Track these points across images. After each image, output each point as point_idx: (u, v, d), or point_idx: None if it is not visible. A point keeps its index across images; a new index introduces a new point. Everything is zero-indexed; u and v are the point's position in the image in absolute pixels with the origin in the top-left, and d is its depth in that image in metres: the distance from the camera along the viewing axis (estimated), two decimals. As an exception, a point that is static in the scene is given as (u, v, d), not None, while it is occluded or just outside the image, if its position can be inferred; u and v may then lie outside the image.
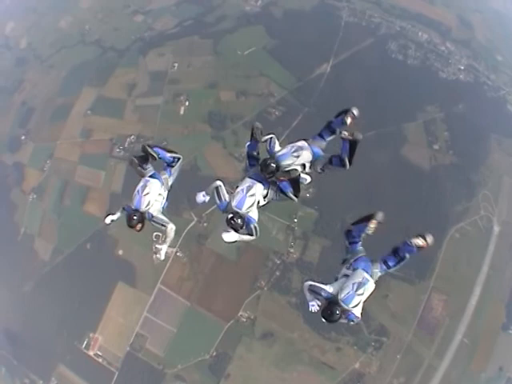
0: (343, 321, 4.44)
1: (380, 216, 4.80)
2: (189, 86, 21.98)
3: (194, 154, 20.47)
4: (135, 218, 4.91)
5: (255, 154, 5.34)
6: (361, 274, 4.57)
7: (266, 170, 4.74)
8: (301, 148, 4.92)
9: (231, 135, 21.07)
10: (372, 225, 4.80)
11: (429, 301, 19.75)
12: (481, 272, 20.35)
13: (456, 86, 23.12)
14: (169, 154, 5.42)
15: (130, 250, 20.71)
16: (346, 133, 4.79)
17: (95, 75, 23.48)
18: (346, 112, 5.07)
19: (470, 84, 23.58)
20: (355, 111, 5.07)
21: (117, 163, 21.67)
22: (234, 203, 4.84)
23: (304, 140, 5.18)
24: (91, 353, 20.27)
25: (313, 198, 20.41)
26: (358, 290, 4.40)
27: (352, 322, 4.49)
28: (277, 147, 5.08)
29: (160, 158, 5.38)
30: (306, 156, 4.92)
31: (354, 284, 4.45)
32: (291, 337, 19.54)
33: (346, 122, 5.04)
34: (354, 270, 4.64)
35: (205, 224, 20.22)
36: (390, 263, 4.79)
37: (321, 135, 5.24)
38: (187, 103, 21.52)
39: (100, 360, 20.15)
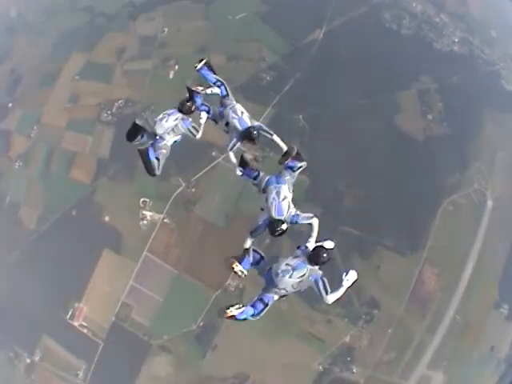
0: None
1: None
2: (178, 50, 21.52)
3: (182, 118, 19.83)
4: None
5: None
6: (272, 188, 4.87)
7: (279, 235, 4.82)
8: (278, 192, 4.99)
9: (221, 100, 20.49)
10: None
11: (421, 274, 19.42)
12: (474, 247, 20.08)
13: (450, 57, 22.81)
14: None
15: (117, 216, 20.18)
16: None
17: (84, 41, 22.99)
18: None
19: (464, 56, 23.31)
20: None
21: (104, 128, 21.13)
22: (274, 214, 4.82)
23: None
24: (76, 323, 19.72)
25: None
26: (280, 197, 4.72)
27: (297, 223, 4.81)
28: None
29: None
30: (284, 189, 5.01)
31: (273, 198, 4.73)
32: (280, 307, 18.68)
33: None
34: (266, 187, 4.93)
35: (193, 189, 19.72)
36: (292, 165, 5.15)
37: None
38: (177, 67, 21.03)
39: (85, 331, 19.62)
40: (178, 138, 5.94)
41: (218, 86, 6.22)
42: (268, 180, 5.03)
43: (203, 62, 6.44)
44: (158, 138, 5.69)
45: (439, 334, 19.31)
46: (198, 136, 5.88)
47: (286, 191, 4.86)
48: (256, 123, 5.71)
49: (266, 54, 20.82)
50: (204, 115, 5.92)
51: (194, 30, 21.78)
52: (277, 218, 4.76)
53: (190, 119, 5.82)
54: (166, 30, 22.28)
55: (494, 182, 21.59)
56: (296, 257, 4.75)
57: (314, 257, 4.60)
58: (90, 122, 21.37)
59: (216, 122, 6.09)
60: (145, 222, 20.05)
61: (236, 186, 19.24)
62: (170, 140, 5.76)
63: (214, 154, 19.56)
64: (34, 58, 23.87)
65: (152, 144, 5.76)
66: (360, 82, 20.00)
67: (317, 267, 4.67)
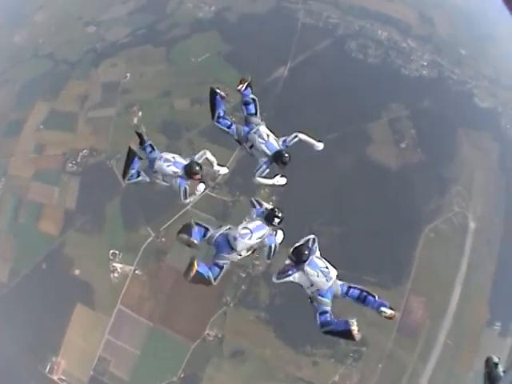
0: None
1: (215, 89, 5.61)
2: (142, 95, 20.99)
3: (148, 165, 19.17)
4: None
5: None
6: (253, 133, 5.53)
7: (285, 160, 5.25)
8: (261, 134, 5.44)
9: (187, 144, 19.95)
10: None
11: (407, 304, 18.65)
12: (460, 270, 19.39)
13: (420, 82, 22.38)
14: None
15: (87, 269, 19.34)
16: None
17: (48, 89, 22.50)
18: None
19: (434, 79, 22.88)
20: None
21: (70, 178, 20.47)
22: (269, 152, 5.28)
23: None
24: (55, 377, 18.84)
25: (276, 205, 19.18)
26: (265, 138, 5.30)
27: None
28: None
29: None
30: (263, 129, 5.51)
31: (259, 142, 5.34)
32: (263, 353, 18.13)
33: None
34: (247, 137, 5.43)
35: (163, 239, 18.86)
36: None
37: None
38: (140, 113, 20.46)
39: None
40: (163, 183, 5.64)
41: (249, 104, 6.09)
42: (243, 129, 5.47)
43: (246, 83, 6.17)
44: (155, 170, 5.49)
45: (432, 362, 18.45)
46: (185, 202, 5.58)
47: (265, 129, 5.27)
48: (281, 142, 5.61)
49: (230, 96, 20.00)
50: (201, 187, 5.70)
51: (157, 75, 21.33)
52: (273, 152, 5.05)
53: (189, 182, 5.44)
54: (128, 75, 21.85)
55: (474, 203, 20.95)
56: (253, 219, 4.96)
57: (270, 217, 4.85)
58: (55, 173, 20.70)
59: (240, 143, 5.87)
60: (116, 274, 19.19)
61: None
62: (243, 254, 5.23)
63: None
64: (-1, 106, 23.28)
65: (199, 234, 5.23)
66: (328, 116, 19.41)
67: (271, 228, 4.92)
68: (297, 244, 4.90)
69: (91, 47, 23.15)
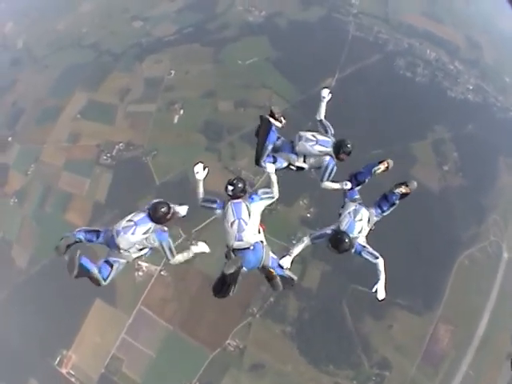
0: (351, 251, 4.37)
1: (391, 162, 4.88)
2: (185, 93, 20.45)
3: (185, 165, 18.54)
4: None
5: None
6: (352, 204, 4.70)
7: (339, 248, 4.32)
8: (356, 210, 4.64)
9: (227, 147, 19.28)
10: (382, 165, 4.85)
11: (435, 332, 18.02)
12: (489, 300, 18.75)
13: (465, 105, 21.81)
14: None
15: (112, 265, 18.71)
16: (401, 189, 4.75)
17: (89, 78, 22.09)
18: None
19: (478, 104, 22.32)
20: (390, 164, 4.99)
21: (103, 171, 19.89)
22: (342, 226, 4.53)
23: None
24: (64, 371, 18.20)
25: (313, 218, 18.52)
26: (356, 217, 4.49)
27: (359, 255, 4.46)
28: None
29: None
30: (364, 213, 4.65)
31: (349, 213, 4.54)
32: (284, 369, 17.28)
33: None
34: (349, 201, 4.77)
35: (193, 242, 18.09)
36: (384, 207, 4.89)
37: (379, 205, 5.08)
38: (182, 112, 19.86)
39: (73, 379, 18.01)
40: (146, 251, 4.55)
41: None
42: (353, 195, 4.95)
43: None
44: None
45: (451, 392, 17.57)
46: (172, 261, 4.57)
47: (365, 216, 4.61)
48: (329, 135, 5.12)
49: (275, 102, 19.45)
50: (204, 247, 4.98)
51: (202, 74, 20.85)
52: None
53: (166, 229, 4.33)
54: (172, 72, 21.39)
55: (509, 232, 20.26)
56: (139, 212, 4.26)
57: (153, 212, 4.16)
58: (88, 164, 20.16)
59: (293, 168, 5.13)
60: (140, 273, 18.48)
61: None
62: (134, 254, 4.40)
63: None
64: (36, 91, 22.93)
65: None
66: (373, 132, 18.73)
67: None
68: None
69: (136, 41, 22.83)
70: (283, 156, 4.94)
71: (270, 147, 4.85)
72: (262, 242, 4.33)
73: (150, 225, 4.19)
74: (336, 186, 4.97)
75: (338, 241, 4.29)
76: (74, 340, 18.40)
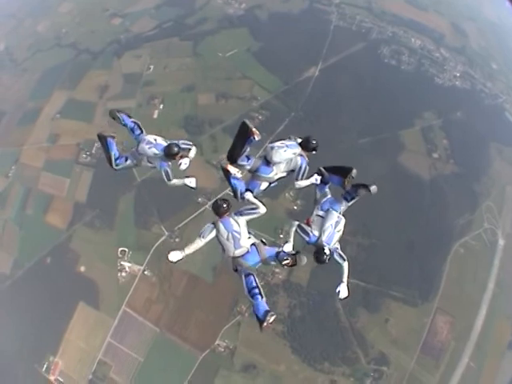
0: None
1: (355, 173, 4.96)
2: (164, 88, 19.81)
3: (166, 160, 17.88)
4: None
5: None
6: (335, 214, 4.92)
7: (320, 260, 4.55)
8: (338, 222, 4.87)
9: (209, 141, 18.60)
10: (347, 183, 4.99)
11: (433, 324, 17.36)
12: (487, 289, 18.22)
13: (453, 92, 21.28)
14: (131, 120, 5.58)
15: (93, 266, 17.90)
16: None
17: (67, 78, 21.50)
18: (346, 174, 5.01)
19: (466, 91, 21.77)
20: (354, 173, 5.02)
21: (83, 170, 19.25)
22: (324, 238, 4.80)
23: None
24: (52, 377, 17.37)
25: (301, 210, 17.76)
26: (337, 228, 4.80)
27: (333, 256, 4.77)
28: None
29: (124, 125, 5.58)
30: (342, 223, 4.93)
31: (331, 225, 4.83)
32: (277, 369, 16.54)
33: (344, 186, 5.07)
34: (327, 211, 4.98)
35: (177, 239, 17.38)
36: (349, 198, 5.10)
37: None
38: (161, 106, 19.23)
39: None
40: (149, 164, 5.33)
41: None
42: (329, 201, 5.09)
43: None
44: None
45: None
46: (171, 183, 5.20)
47: (342, 225, 4.91)
48: (293, 139, 5.34)
49: (257, 93, 19.05)
50: (185, 161, 5.18)
51: (181, 68, 20.25)
52: (322, 244, 4.75)
53: (170, 163, 5.16)
54: (151, 67, 20.80)
55: (504, 219, 19.71)
56: (291, 140, 5.14)
57: (305, 142, 5.04)
58: (68, 164, 19.47)
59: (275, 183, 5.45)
60: (123, 273, 17.66)
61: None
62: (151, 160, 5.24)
63: (200, 200, 17.34)
64: (16, 94, 22.27)
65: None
66: (360, 121, 18.11)
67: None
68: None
69: (115, 38, 22.27)
70: (261, 179, 5.13)
71: (247, 149, 5.07)
72: (253, 243, 4.74)
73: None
74: (307, 182, 5.13)
75: (320, 256, 4.54)
76: (60, 345, 17.49)
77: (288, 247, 4.64)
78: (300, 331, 16.98)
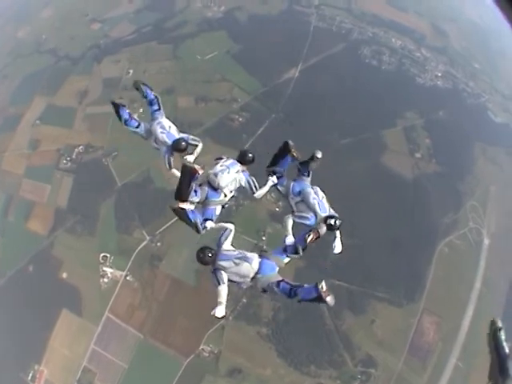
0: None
1: (292, 144, 4.96)
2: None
3: (147, 165, 17.79)
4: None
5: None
6: (308, 189, 4.93)
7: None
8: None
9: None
10: (295, 154, 4.96)
11: (419, 324, 17.17)
12: (473, 288, 18.00)
13: (435, 92, 21.25)
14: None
15: (75, 272, 17.67)
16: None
17: (47, 84, 21.33)
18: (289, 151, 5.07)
19: (449, 90, 21.76)
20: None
21: (63, 176, 19.01)
22: (320, 211, 4.78)
23: None
24: None
25: (283, 212, 17.55)
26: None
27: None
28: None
29: (145, 97, 5.66)
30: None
31: (314, 197, 4.84)
32: (263, 373, 16.30)
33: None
34: (300, 193, 4.97)
35: (158, 244, 17.22)
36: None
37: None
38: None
39: None
40: (154, 144, 5.46)
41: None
42: (294, 185, 5.06)
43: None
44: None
45: (442, 384, 16.68)
46: (170, 172, 5.27)
47: (320, 191, 4.93)
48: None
49: (237, 95, 18.91)
50: (190, 158, 5.24)
51: (160, 71, 20.12)
52: (324, 215, 4.78)
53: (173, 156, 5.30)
54: (131, 71, 20.67)
55: (489, 219, 19.55)
56: (227, 158, 5.17)
57: (242, 157, 5.10)
58: (48, 169, 19.24)
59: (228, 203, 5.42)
60: (105, 279, 17.41)
61: (207, 239, 16.77)
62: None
63: (182, 204, 17.11)
64: (-3, 101, 22.00)
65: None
66: (341, 121, 18.03)
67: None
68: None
69: (95, 43, 22.14)
70: (213, 204, 5.07)
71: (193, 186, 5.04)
72: (260, 255, 4.71)
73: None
74: (266, 188, 5.12)
75: (333, 226, 4.62)
76: (44, 354, 17.18)
77: (289, 239, 4.67)
78: (285, 334, 16.76)
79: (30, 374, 17.01)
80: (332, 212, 4.83)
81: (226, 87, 19.54)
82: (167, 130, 5.21)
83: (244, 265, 4.47)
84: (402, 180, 18.99)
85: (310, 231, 4.60)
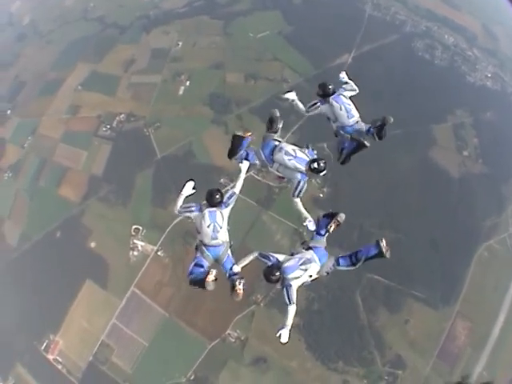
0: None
1: (342, 217, 4.77)
2: (192, 65, 18.81)
3: (189, 138, 17.03)
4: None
5: None
6: (310, 253, 4.65)
7: (268, 278, 4.41)
8: (309, 261, 4.54)
9: (235, 120, 17.54)
10: (333, 224, 4.75)
11: (452, 328, 16.18)
12: (506, 297, 16.90)
13: (484, 92, 20.15)
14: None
15: (104, 243, 16.81)
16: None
17: (92, 51, 20.64)
18: (332, 216, 4.83)
19: (497, 92, 20.66)
20: (341, 218, 4.77)
21: (101, 143, 18.19)
22: (284, 263, 4.54)
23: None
24: (50, 357, 16.38)
25: (327, 198, 16.60)
26: (302, 265, 4.47)
27: (282, 289, 4.49)
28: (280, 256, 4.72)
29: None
30: (314, 268, 4.54)
31: (300, 258, 4.55)
32: (289, 365, 15.39)
33: (329, 230, 4.82)
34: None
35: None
36: (341, 262, 4.79)
37: (318, 233, 4.91)
38: (188, 83, 18.24)
39: (59, 367, 16.15)
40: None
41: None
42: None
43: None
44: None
45: (464, 394, 15.81)
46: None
47: (312, 271, 4.54)
48: (307, 152, 5.26)
49: (288, 75, 18.02)
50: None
51: (210, 46, 19.36)
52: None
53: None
54: (180, 43, 19.87)
55: None
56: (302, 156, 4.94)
57: (311, 163, 4.84)
58: (87, 136, 18.43)
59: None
60: (135, 252, 16.51)
61: (245, 221, 15.77)
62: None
63: (222, 180, 16.17)
64: (39, 65, 21.46)
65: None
66: (391, 111, 16.93)
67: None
68: None
69: (144, 13, 21.45)
70: (260, 158, 5.04)
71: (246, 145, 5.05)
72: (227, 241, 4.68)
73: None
74: (303, 212, 4.99)
75: (268, 272, 4.43)
76: (62, 324, 16.45)
77: (311, 226, 4.79)
78: (316, 327, 15.76)
79: (45, 344, 16.36)
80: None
81: (276, 67, 18.68)
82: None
83: (311, 266, 4.42)
84: (448, 177, 17.94)
85: (330, 220, 4.56)
